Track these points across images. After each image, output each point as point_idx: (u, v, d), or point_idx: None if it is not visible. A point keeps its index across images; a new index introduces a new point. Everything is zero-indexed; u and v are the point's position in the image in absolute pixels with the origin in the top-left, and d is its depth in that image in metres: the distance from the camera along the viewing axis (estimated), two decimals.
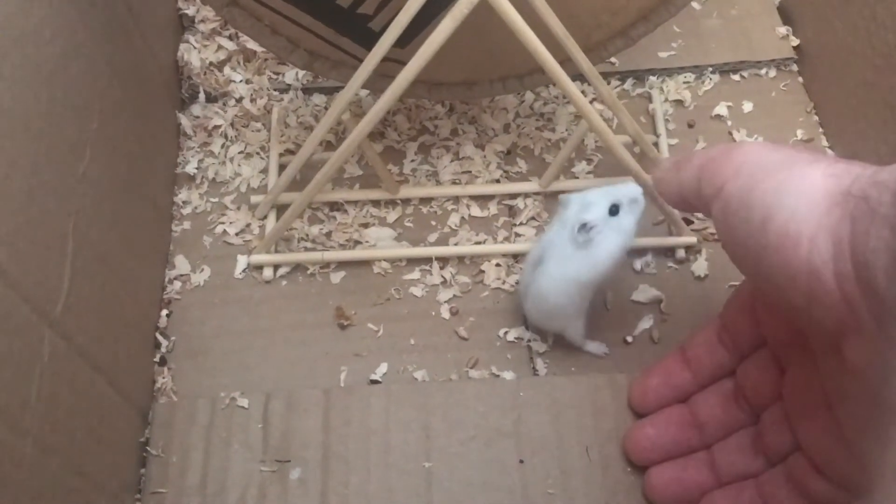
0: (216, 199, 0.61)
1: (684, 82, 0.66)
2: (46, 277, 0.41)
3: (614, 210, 0.48)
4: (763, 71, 0.66)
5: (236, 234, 0.59)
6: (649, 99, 0.65)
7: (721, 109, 0.64)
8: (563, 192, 0.60)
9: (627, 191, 0.49)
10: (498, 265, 0.58)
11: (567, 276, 0.49)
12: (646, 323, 0.55)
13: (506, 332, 0.55)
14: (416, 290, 0.57)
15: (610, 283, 0.54)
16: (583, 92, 0.51)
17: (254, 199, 0.60)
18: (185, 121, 0.63)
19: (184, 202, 0.61)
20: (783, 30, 0.67)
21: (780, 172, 0.36)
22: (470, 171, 0.61)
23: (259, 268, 0.58)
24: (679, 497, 0.47)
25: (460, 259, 0.58)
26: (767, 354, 0.45)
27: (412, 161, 0.62)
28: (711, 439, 0.47)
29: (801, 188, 0.34)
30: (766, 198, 0.35)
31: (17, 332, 0.37)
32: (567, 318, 0.52)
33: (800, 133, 0.63)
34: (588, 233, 0.48)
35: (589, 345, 0.54)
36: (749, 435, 0.46)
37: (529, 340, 0.55)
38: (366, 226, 0.60)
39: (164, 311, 0.56)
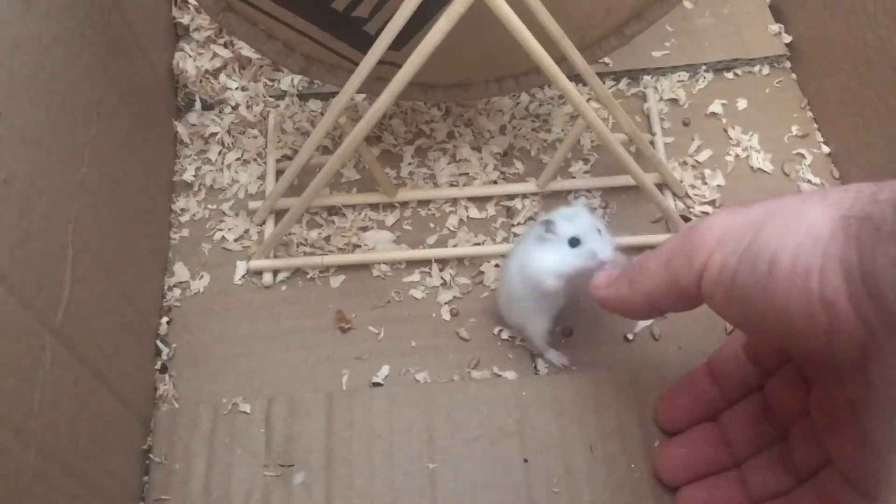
0: (214, 206, 0.61)
1: (678, 81, 0.66)
2: (47, 284, 0.40)
3: (574, 242, 0.48)
4: (756, 68, 0.67)
5: (235, 241, 0.59)
6: (644, 98, 0.65)
7: (716, 107, 0.65)
8: (560, 191, 0.60)
9: (605, 249, 0.48)
10: (497, 266, 0.58)
11: (521, 275, 0.50)
12: (646, 320, 0.55)
13: (500, 331, 0.55)
14: (416, 293, 0.57)
15: (562, 307, 0.53)
16: (578, 92, 0.51)
17: (252, 205, 0.60)
18: (181, 129, 0.63)
19: (182, 209, 0.61)
20: (775, 27, 0.67)
21: (773, 219, 0.35)
22: (467, 173, 0.62)
23: (258, 273, 0.58)
24: None
25: (459, 260, 0.58)
26: (793, 369, 0.45)
27: (409, 164, 0.62)
28: (741, 456, 0.46)
29: (800, 225, 0.34)
30: (769, 243, 0.35)
31: (18, 340, 0.37)
32: (522, 316, 0.52)
33: (794, 129, 0.63)
34: (546, 229, 0.48)
35: (549, 352, 0.54)
36: (779, 451, 0.45)
37: (522, 340, 0.55)
38: (364, 229, 0.60)
39: (165, 319, 0.56)
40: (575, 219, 0.49)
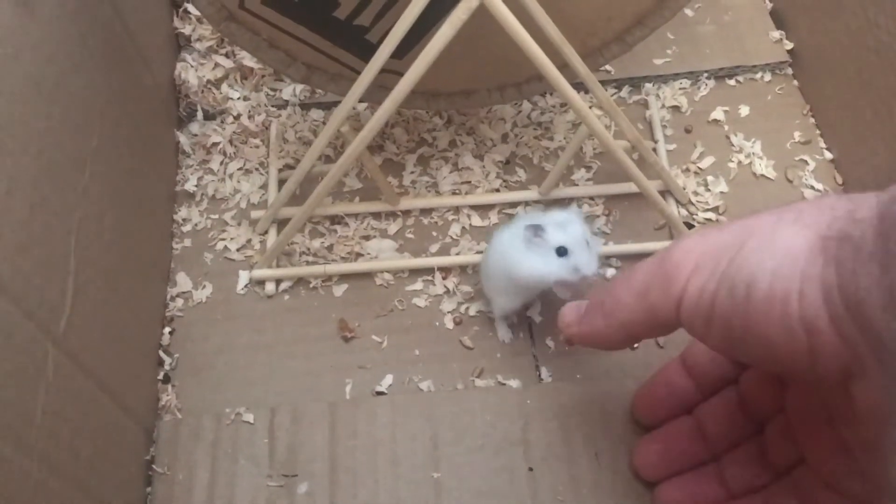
0: (216, 216, 0.61)
1: (680, 88, 0.66)
2: (49, 294, 0.40)
3: (562, 252, 0.48)
4: (758, 75, 0.67)
5: (237, 250, 0.59)
6: (646, 106, 0.65)
7: (718, 114, 0.65)
8: (562, 199, 0.60)
9: (590, 264, 0.48)
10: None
11: (501, 262, 0.51)
12: None
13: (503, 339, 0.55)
14: (419, 301, 0.57)
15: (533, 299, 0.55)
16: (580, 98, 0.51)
17: (254, 214, 0.60)
18: (183, 139, 0.63)
19: (184, 219, 0.61)
20: (776, 34, 0.67)
21: (749, 241, 0.35)
22: (469, 182, 0.61)
23: (261, 283, 0.58)
24: None
25: (462, 269, 0.58)
26: None
27: (412, 172, 0.62)
28: (719, 450, 0.46)
29: (777, 247, 0.33)
30: (746, 267, 0.34)
31: (20, 350, 0.37)
32: (494, 291, 0.53)
33: (797, 135, 0.63)
34: (534, 234, 0.48)
35: (500, 325, 0.55)
36: (756, 446, 0.45)
37: (490, 313, 0.55)
38: (367, 238, 0.60)
39: (167, 329, 0.56)
40: (567, 227, 0.49)
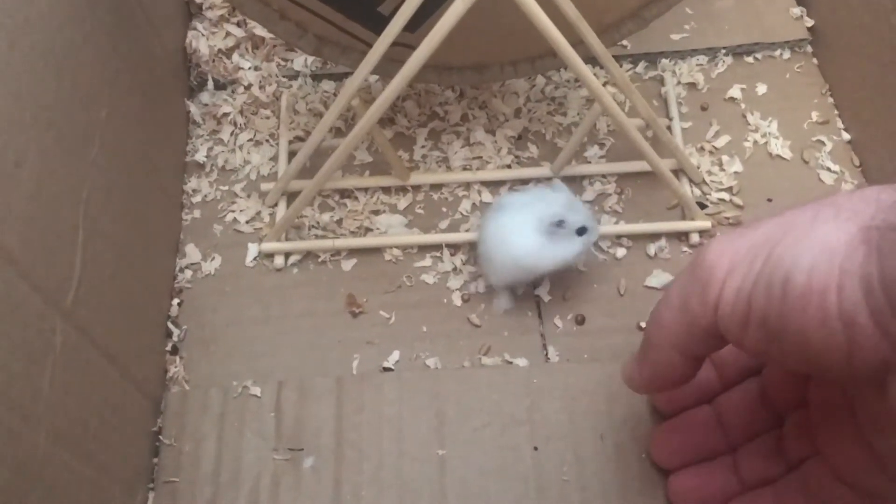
0: (226, 188, 0.61)
1: (697, 65, 0.65)
2: (57, 266, 0.40)
3: (582, 231, 0.51)
4: (777, 52, 0.66)
5: (247, 223, 0.59)
6: (661, 82, 0.64)
7: (735, 92, 0.64)
8: (574, 176, 0.59)
9: (595, 225, 0.52)
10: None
11: (505, 232, 0.51)
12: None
13: (511, 316, 0.55)
14: (428, 278, 0.57)
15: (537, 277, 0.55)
16: (595, 75, 0.50)
17: (264, 186, 0.60)
18: (193, 108, 0.63)
19: (193, 190, 0.60)
20: (797, 10, 0.66)
21: (785, 237, 0.34)
22: (481, 157, 0.61)
23: (270, 256, 0.57)
24: (701, 502, 0.46)
25: (472, 246, 0.58)
26: None
27: (422, 147, 0.62)
28: (736, 441, 0.46)
29: (814, 242, 0.32)
30: (782, 264, 0.33)
31: (28, 322, 0.37)
32: (496, 273, 0.53)
33: (815, 115, 0.62)
34: (557, 227, 0.50)
35: (500, 294, 0.55)
36: (774, 438, 0.45)
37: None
38: (376, 213, 0.59)
39: (176, 300, 0.56)
40: (574, 206, 0.51)
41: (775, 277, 0.33)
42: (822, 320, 0.32)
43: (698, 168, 0.59)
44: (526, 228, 0.50)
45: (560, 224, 0.50)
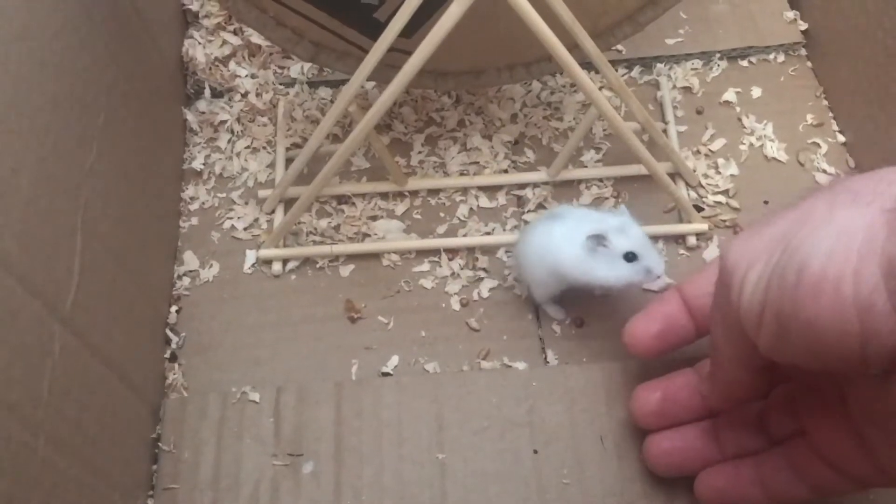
0: (223, 195, 0.61)
1: (692, 69, 0.65)
2: (56, 272, 0.40)
3: (630, 257, 0.49)
4: (771, 56, 0.66)
5: (244, 229, 0.59)
6: (657, 86, 0.64)
7: (730, 95, 0.64)
8: (571, 181, 0.60)
9: (660, 264, 0.50)
10: (508, 253, 0.57)
11: (550, 253, 0.50)
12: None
13: (510, 320, 0.55)
14: (426, 282, 0.57)
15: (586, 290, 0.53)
16: (590, 79, 0.51)
17: (261, 193, 0.60)
18: (190, 116, 0.63)
19: (191, 198, 0.61)
20: (791, 14, 0.66)
21: (802, 227, 0.33)
22: (478, 162, 0.61)
23: (268, 262, 0.57)
24: (677, 466, 0.46)
25: (470, 250, 0.58)
26: None
27: (419, 153, 0.62)
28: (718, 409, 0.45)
29: (832, 230, 0.32)
30: (799, 252, 0.32)
31: (27, 328, 0.37)
32: (535, 282, 0.53)
33: (810, 118, 0.63)
34: (598, 243, 0.48)
35: (549, 307, 0.55)
36: (755, 410, 0.45)
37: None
38: (374, 218, 0.59)
39: (174, 307, 0.56)
40: (627, 231, 0.49)
41: (790, 266, 0.32)
42: (836, 309, 0.31)
43: (694, 171, 0.60)
44: (572, 243, 0.49)
45: (599, 240, 0.48)
